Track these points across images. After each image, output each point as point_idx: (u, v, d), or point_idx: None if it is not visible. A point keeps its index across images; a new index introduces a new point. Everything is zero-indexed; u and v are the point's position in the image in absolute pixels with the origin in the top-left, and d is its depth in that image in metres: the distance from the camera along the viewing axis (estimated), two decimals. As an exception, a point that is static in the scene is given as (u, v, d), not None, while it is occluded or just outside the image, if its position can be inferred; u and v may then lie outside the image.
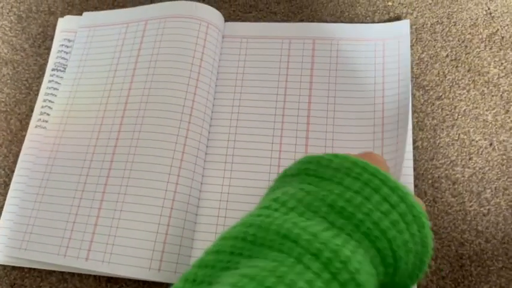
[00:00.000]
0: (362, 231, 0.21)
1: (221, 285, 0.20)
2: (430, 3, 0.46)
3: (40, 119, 0.45)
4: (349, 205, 0.22)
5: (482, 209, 0.37)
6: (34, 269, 0.39)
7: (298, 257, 0.20)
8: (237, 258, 0.22)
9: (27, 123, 0.45)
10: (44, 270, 0.39)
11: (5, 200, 0.42)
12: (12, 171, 0.43)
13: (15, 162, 0.44)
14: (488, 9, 0.45)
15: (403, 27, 0.44)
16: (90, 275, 0.39)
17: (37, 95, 0.47)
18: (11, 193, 0.42)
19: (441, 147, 0.40)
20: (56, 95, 0.46)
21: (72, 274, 0.39)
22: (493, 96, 0.41)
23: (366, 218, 0.21)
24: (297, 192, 0.24)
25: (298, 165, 0.27)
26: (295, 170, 0.26)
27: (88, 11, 0.50)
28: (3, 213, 0.42)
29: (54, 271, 0.39)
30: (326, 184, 0.24)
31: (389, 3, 0.46)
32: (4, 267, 0.40)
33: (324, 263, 0.20)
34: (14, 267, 0.40)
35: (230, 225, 0.24)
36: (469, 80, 0.42)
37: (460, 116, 0.41)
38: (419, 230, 0.23)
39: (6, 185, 0.43)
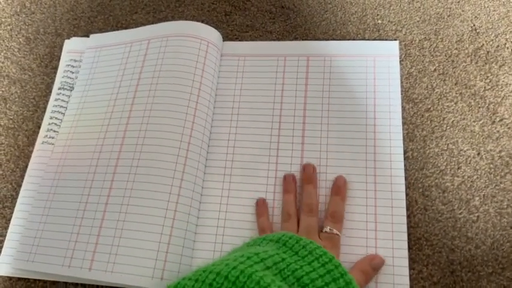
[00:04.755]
0: None
1: None
2: (418, 21, 0.48)
3: (47, 136, 0.47)
4: (312, 284, 0.28)
5: (471, 216, 0.39)
6: (39, 279, 0.41)
7: None
8: None
9: (34, 140, 0.47)
10: (49, 280, 0.41)
11: (12, 213, 0.44)
12: (19, 185, 0.45)
13: (22, 177, 0.46)
14: (474, 25, 0.47)
15: (392, 47, 0.46)
16: (93, 285, 0.40)
17: (44, 112, 0.49)
18: (18, 207, 0.44)
19: (431, 157, 0.41)
20: (62, 113, 0.48)
21: (76, 284, 0.40)
22: (479, 108, 0.43)
23: None
24: (275, 255, 0.30)
25: (279, 235, 0.33)
26: (276, 237, 0.33)
27: (93, 33, 0.53)
28: (10, 227, 0.43)
29: (58, 281, 0.40)
30: (298, 260, 0.30)
31: (379, 21, 0.49)
32: (10, 278, 0.41)
33: None
34: (19, 279, 0.41)
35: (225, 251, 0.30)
36: (456, 93, 0.44)
37: (448, 127, 0.42)
38: None
39: (14, 199, 0.45)
